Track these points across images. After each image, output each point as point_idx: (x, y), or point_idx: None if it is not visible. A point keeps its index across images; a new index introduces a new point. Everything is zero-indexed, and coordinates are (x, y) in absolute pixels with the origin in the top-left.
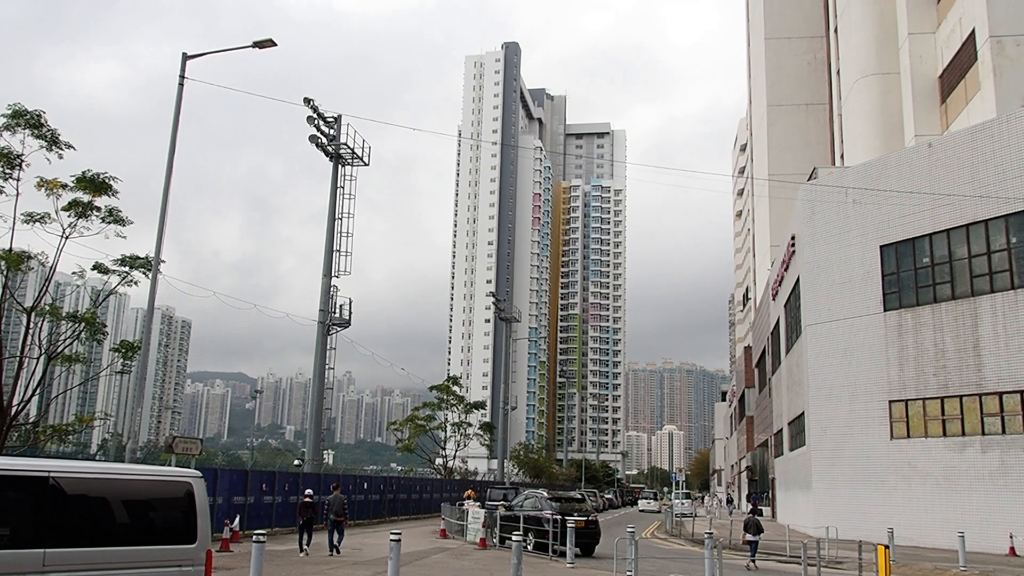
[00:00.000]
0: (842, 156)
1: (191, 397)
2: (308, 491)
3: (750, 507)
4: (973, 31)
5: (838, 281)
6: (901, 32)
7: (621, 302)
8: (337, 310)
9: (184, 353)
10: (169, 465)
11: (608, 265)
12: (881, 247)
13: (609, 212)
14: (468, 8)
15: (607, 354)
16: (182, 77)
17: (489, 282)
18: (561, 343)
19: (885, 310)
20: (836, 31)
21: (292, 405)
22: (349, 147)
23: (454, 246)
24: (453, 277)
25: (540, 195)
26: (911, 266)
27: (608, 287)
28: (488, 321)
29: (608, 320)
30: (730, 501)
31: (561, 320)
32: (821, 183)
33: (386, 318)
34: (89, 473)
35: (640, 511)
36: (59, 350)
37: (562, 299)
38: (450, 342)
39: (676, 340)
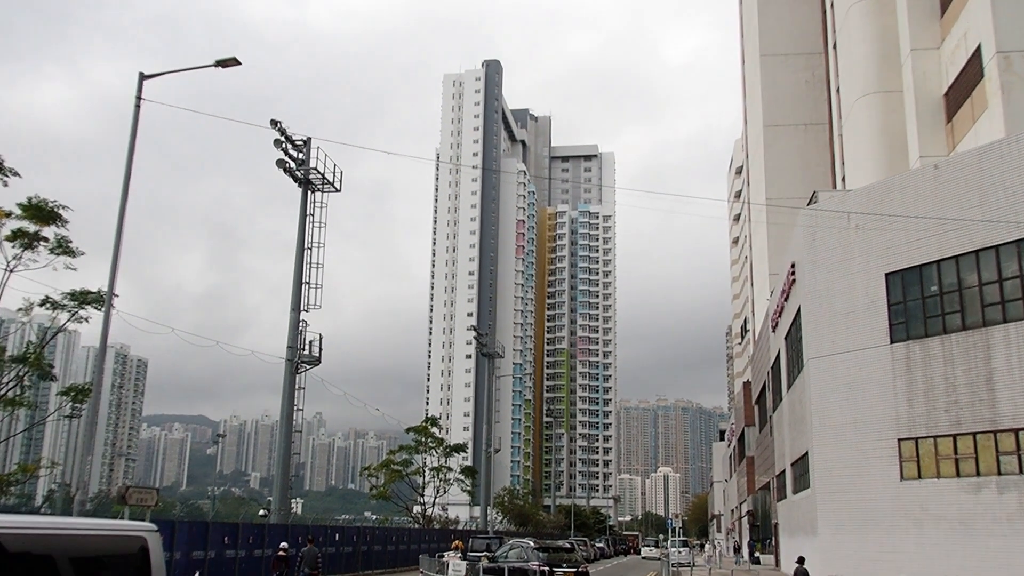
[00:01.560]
0: (843, 179)
1: (147, 442)
2: (283, 544)
3: (796, 560)
4: (979, 47)
5: (841, 311)
6: (903, 48)
7: (611, 335)
8: (306, 347)
9: (139, 395)
10: (122, 518)
11: (597, 296)
12: (886, 275)
13: (598, 239)
14: (448, 27)
15: (597, 391)
16: (139, 98)
17: (470, 315)
18: (548, 380)
19: (892, 342)
20: (835, 47)
21: (257, 450)
22: (319, 172)
23: (432, 277)
24: (432, 310)
25: (524, 222)
26: (918, 295)
27: (597, 319)
28: (469, 357)
29: (598, 355)
30: (737, 549)
31: (547, 355)
32: (822, 207)
33: (360, 355)
34: (33, 528)
35: (643, 558)
36: (1, 394)
37: (548, 333)
38: (428, 380)
39: (671, 376)
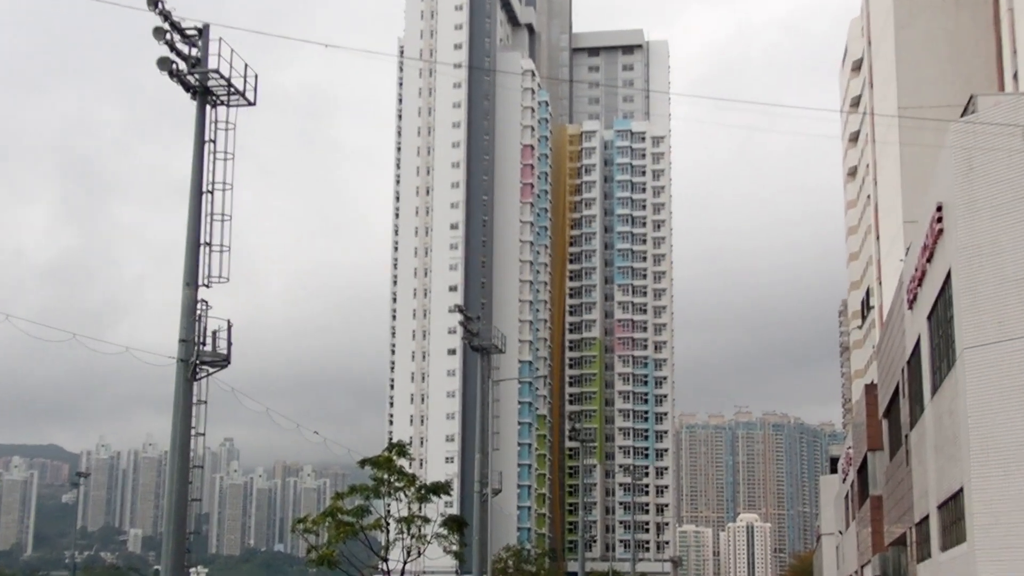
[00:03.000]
0: (1015, 76)
1: None
2: None
3: None
4: None
5: (1013, 277)
6: None
7: (666, 317)
8: (208, 339)
9: None
10: None
11: (644, 259)
12: None
13: (644, 173)
14: None
15: (645, 401)
16: None
17: (453, 290)
18: (571, 385)
19: None
20: None
21: (138, 495)
22: (222, 76)
23: (396, 233)
24: (396, 284)
25: (533, 147)
26: None
27: (645, 294)
28: (453, 353)
29: (646, 347)
30: None
31: (570, 348)
32: (982, 119)
33: (289, 352)
34: None
35: None
36: None
37: (571, 315)
38: (393, 389)
39: (755, 377)
